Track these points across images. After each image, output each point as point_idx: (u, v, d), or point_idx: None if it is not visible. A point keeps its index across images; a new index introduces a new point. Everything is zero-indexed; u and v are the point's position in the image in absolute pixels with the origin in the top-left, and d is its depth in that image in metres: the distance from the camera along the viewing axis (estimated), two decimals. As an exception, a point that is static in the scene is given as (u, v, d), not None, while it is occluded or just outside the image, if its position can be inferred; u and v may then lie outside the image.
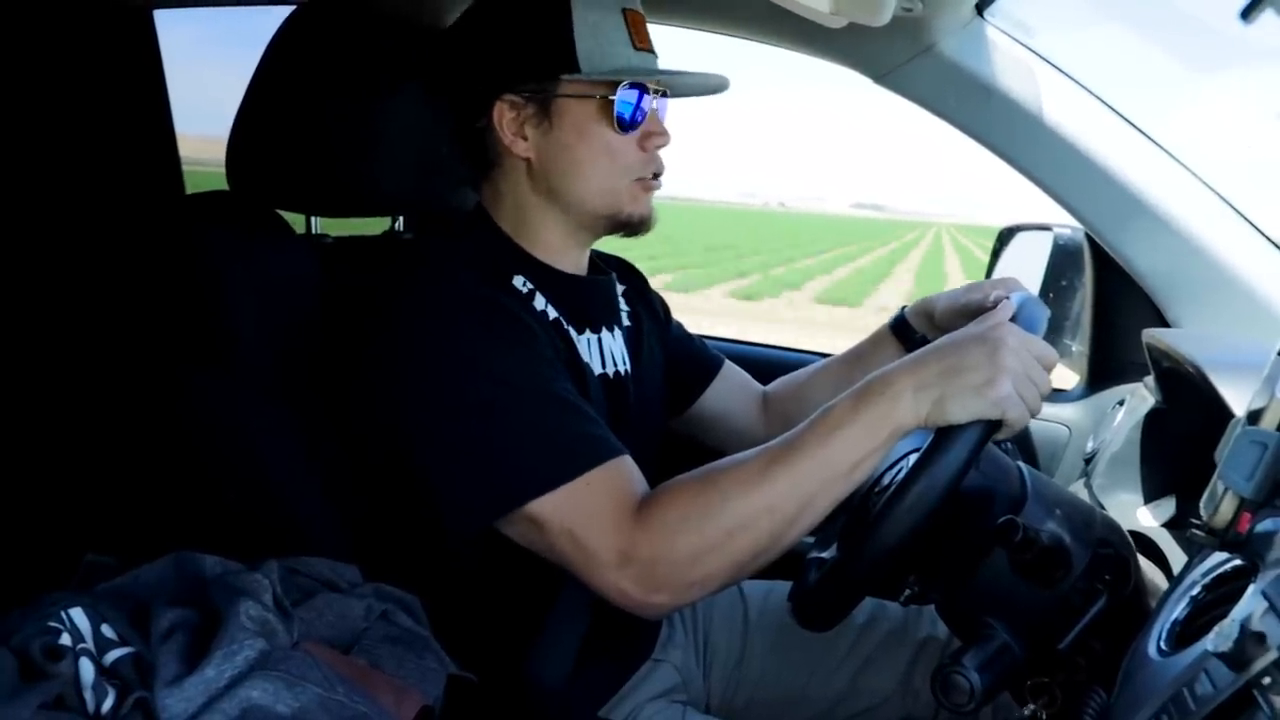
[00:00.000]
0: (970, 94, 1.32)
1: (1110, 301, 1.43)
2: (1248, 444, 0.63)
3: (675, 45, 1.36)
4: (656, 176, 1.00)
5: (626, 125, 0.96)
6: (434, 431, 0.87)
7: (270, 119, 1.03)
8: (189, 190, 1.76)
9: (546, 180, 0.98)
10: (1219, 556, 0.71)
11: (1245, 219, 1.28)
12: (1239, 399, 0.79)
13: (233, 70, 1.14)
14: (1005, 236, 1.73)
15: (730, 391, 1.27)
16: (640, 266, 1.24)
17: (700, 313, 9.10)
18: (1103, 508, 1.03)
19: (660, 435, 1.15)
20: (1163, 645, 0.66)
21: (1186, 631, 0.66)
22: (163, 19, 1.64)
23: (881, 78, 1.38)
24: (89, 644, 0.65)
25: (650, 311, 1.20)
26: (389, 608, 0.81)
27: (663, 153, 1.01)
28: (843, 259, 27.15)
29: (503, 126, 0.97)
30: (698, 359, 1.27)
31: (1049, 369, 0.82)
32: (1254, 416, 0.65)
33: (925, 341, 0.93)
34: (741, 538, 0.82)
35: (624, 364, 1.07)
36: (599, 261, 1.14)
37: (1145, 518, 1.05)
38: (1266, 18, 0.68)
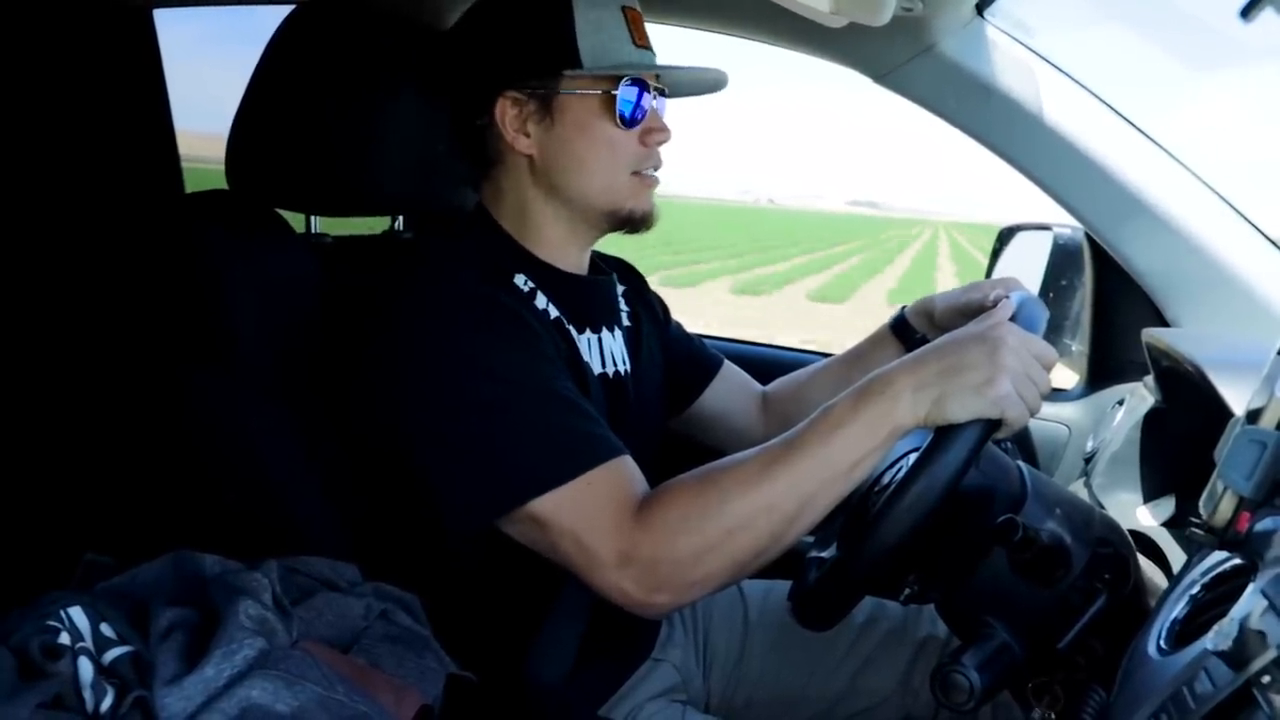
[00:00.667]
0: (970, 94, 1.32)
1: (1110, 301, 1.43)
2: (1247, 443, 0.64)
3: (675, 45, 1.37)
4: (654, 170, 1.01)
5: (628, 121, 0.96)
6: (434, 431, 0.87)
7: (270, 118, 1.03)
8: (189, 186, 1.75)
9: (549, 177, 0.98)
10: (1218, 555, 0.71)
11: (1245, 218, 1.28)
12: (1238, 398, 0.79)
13: (233, 67, 1.14)
14: (1005, 236, 1.73)
15: (729, 391, 1.28)
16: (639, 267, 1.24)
17: (694, 313, 9.12)
18: (1102, 507, 1.03)
19: (660, 435, 1.15)
20: (1162, 644, 0.66)
21: (1186, 630, 0.66)
22: (162, 17, 1.64)
23: (881, 77, 1.38)
24: (88, 643, 0.65)
25: (650, 312, 1.20)
26: (388, 607, 0.81)
27: (661, 150, 1.01)
28: (839, 256, 27.18)
29: (505, 123, 0.97)
30: (697, 359, 1.27)
31: (1049, 368, 0.82)
32: (1253, 416, 0.65)
33: (925, 341, 0.94)
34: (742, 537, 0.82)
35: (624, 364, 1.07)
36: (599, 262, 1.14)
37: (1145, 517, 1.05)
38: (1266, 17, 0.68)
